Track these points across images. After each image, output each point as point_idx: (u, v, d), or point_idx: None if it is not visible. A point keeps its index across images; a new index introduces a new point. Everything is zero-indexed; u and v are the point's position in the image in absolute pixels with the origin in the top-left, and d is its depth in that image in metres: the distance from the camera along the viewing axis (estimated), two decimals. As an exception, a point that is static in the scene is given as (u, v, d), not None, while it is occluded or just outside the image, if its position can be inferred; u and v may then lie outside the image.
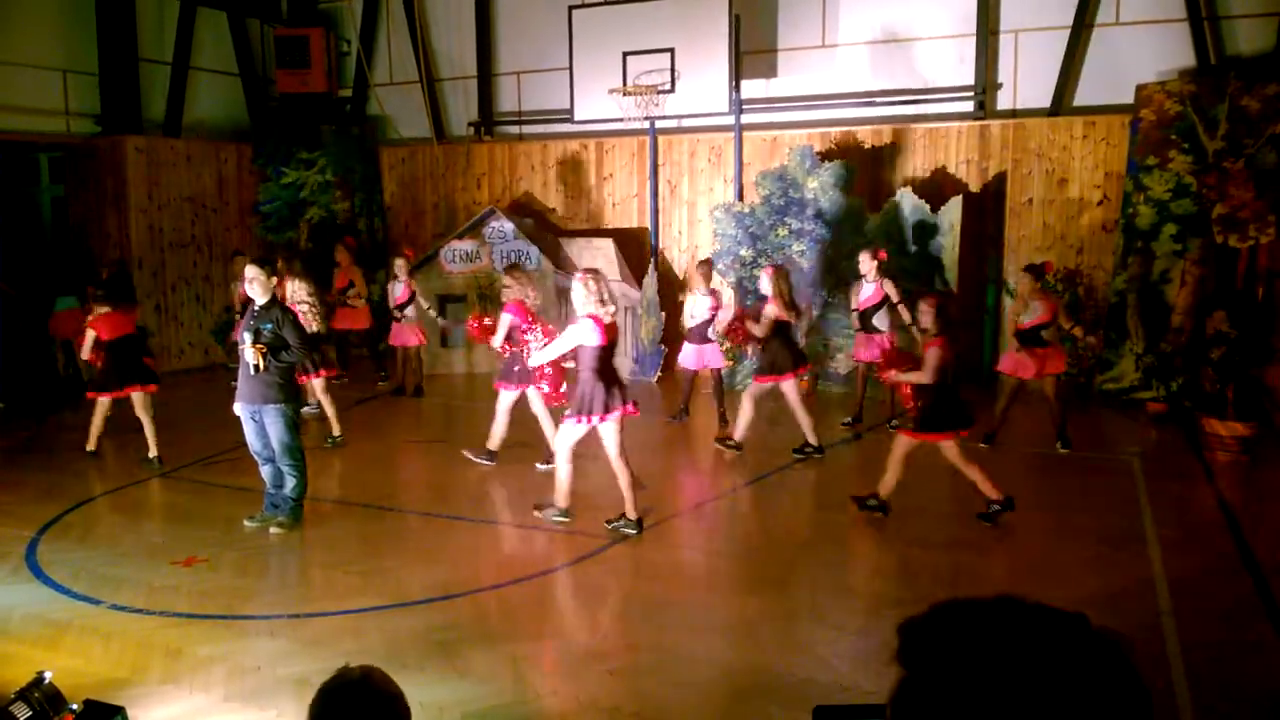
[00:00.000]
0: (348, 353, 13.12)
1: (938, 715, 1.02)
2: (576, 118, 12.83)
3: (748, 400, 8.65)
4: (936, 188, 11.74)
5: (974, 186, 11.79)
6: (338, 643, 5.11)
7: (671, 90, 12.03)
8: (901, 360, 7.04)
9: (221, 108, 14.99)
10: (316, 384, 9.54)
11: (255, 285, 6.81)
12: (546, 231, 13.61)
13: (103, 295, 8.90)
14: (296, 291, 9.72)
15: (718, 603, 5.76)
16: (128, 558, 6.45)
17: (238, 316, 10.29)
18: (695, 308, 9.69)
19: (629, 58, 12.16)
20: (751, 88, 12.64)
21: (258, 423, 6.89)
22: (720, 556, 6.67)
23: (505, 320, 8.07)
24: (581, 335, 6.68)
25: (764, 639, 5.20)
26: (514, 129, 14.65)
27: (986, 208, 11.76)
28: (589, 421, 6.67)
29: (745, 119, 12.56)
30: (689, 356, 9.82)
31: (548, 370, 7.86)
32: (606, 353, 6.72)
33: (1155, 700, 1.02)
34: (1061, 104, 11.54)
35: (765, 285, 8.61)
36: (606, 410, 6.65)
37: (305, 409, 9.72)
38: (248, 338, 6.74)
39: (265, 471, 7.06)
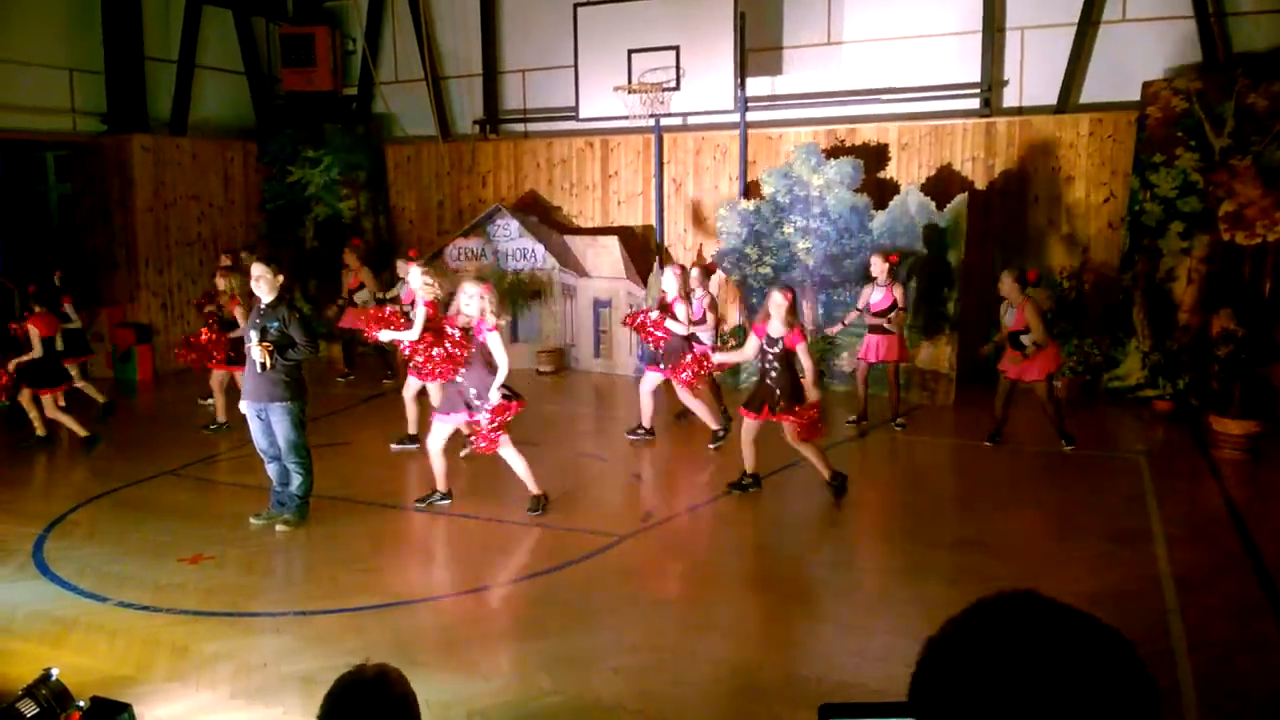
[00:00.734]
0: (354, 352, 13.14)
1: (956, 699, 1.04)
2: (582, 115, 12.83)
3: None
4: (942, 185, 11.72)
5: (980, 184, 11.77)
6: (343, 640, 5.12)
7: (676, 88, 12.03)
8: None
9: (227, 106, 15.01)
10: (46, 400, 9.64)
11: (261, 283, 6.82)
12: (552, 229, 13.61)
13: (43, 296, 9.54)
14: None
15: (721, 601, 5.76)
16: (134, 555, 6.47)
17: (208, 309, 10.41)
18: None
19: (634, 55, 12.16)
20: (757, 85, 12.63)
21: (264, 420, 6.90)
22: (724, 555, 6.67)
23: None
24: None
25: (768, 637, 5.20)
26: (519, 127, 14.65)
27: (993, 205, 11.74)
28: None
29: (750, 116, 12.54)
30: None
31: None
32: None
33: (1160, 698, 1.02)
34: (1068, 101, 11.50)
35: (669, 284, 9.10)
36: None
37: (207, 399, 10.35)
38: (254, 336, 6.75)
39: (271, 469, 7.07)
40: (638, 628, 5.37)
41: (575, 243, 13.32)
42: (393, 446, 9.15)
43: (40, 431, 9.46)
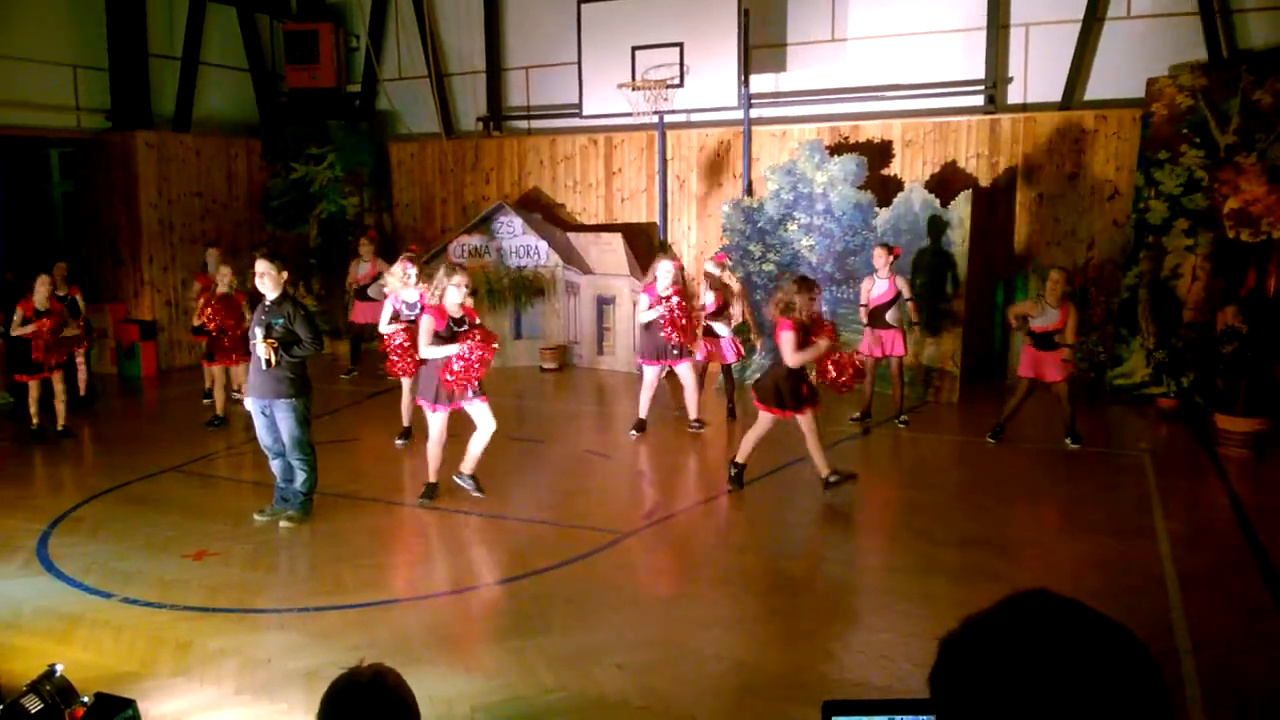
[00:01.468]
0: (359, 348, 13.15)
1: (974, 696, 1.06)
2: (585, 112, 12.83)
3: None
4: (947, 182, 11.70)
5: (984, 181, 11.75)
6: (347, 636, 5.13)
7: (680, 85, 12.01)
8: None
9: (231, 103, 15.02)
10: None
11: (266, 280, 6.82)
12: (555, 226, 13.61)
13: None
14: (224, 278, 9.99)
15: (724, 598, 5.76)
16: (138, 551, 6.48)
17: (195, 303, 10.61)
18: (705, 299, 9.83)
19: (638, 52, 12.14)
20: (760, 82, 12.62)
21: (268, 417, 6.91)
22: (728, 551, 6.66)
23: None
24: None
25: (772, 634, 5.20)
26: (523, 124, 14.65)
27: (997, 202, 11.72)
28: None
29: (754, 113, 12.53)
30: (699, 350, 9.84)
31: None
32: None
33: (1172, 701, 1.03)
34: (1072, 98, 11.48)
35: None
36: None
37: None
38: (259, 333, 6.76)
39: (275, 466, 7.08)
40: (640, 624, 5.37)
41: (578, 240, 13.32)
42: (396, 443, 9.17)
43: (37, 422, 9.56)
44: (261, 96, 15.31)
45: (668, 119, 12.62)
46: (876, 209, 11.52)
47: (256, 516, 7.05)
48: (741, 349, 10.19)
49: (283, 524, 6.92)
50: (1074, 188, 11.41)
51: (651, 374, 9.44)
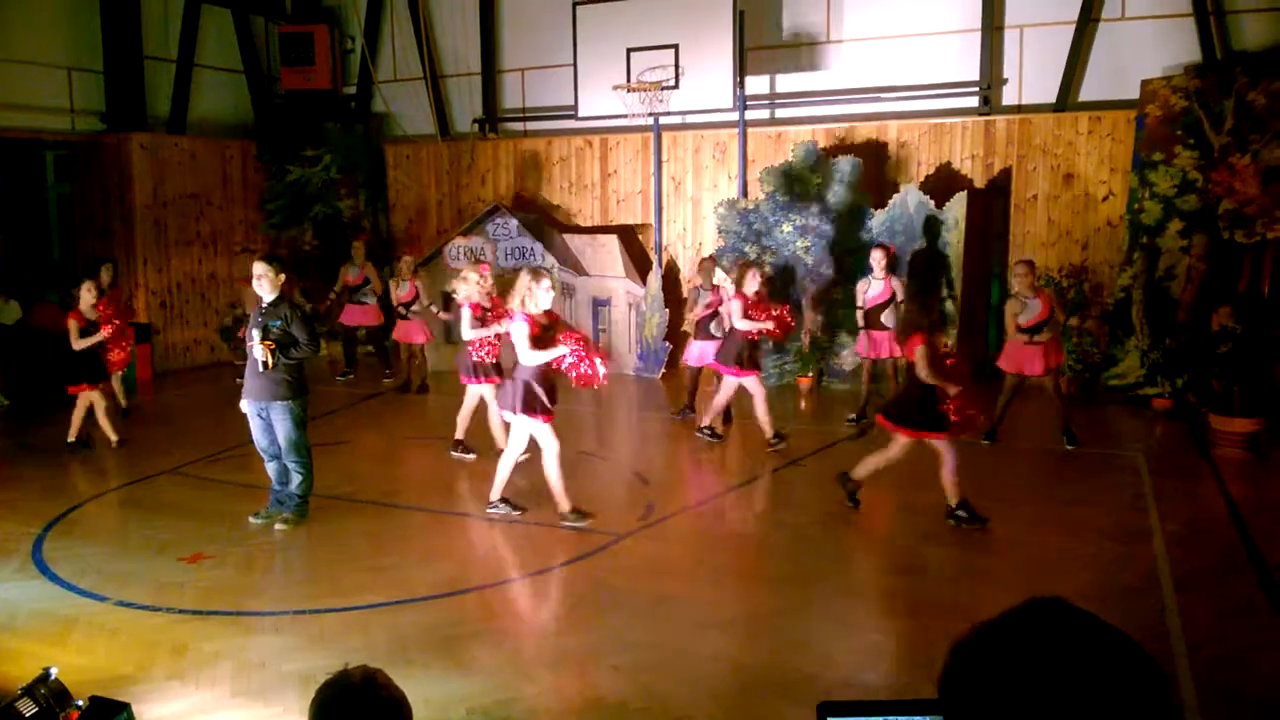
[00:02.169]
0: (354, 351, 13.15)
1: (983, 701, 1.08)
2: (581, 114, 12.83)
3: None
4: (942, 184, 11.72)
5: (979, 182, 11.77)
6: (343, 639, 5.13)
7: (676, 86, 12.02)
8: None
9: (226, 105, 15.00)
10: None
11: (263, 282, 6.82)
12: (551, 228, 13.60)
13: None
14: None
15: (722, 599, 5.77)
16: (133, 554, 6.47)
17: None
18: (698, 302, 9.79)
19: (633, 54, 12.15)
20: (756, 84, 12.63)
21: (265, 419, 6.90)
22: (725, 552, 6.67)
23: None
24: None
25: (769, 635, 5.20)
26: (518, 126, 14.65)
27: (992, 204, 11.74)
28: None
29: (750, 115, 12.54)
30: (692, 353, 9.85)
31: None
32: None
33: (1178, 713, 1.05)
34: (1067, 99, 11.51)
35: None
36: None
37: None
38: (256, 335, 6.75)
39: (271, 468, 7.07)
40: (637, 625, 5.37)
41: (574, 241, 13.32)
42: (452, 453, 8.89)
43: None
44: (256, 98, 15.30)
45: (663, 121, 12.63)
46: (872, 210, 11.54)
47: (252, 519, 7.04)
48: None
49: (278, 527, 6.91)
50: (1068, 189, 11.43)
51: (734, 383, 8.93)
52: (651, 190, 13.13)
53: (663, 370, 12.57)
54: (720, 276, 10.16)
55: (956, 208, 11.03)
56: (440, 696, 4.43)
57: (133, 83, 13.38)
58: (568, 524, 6.84)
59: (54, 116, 12.92)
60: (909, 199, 11.38)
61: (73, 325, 8.94)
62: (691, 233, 13.37)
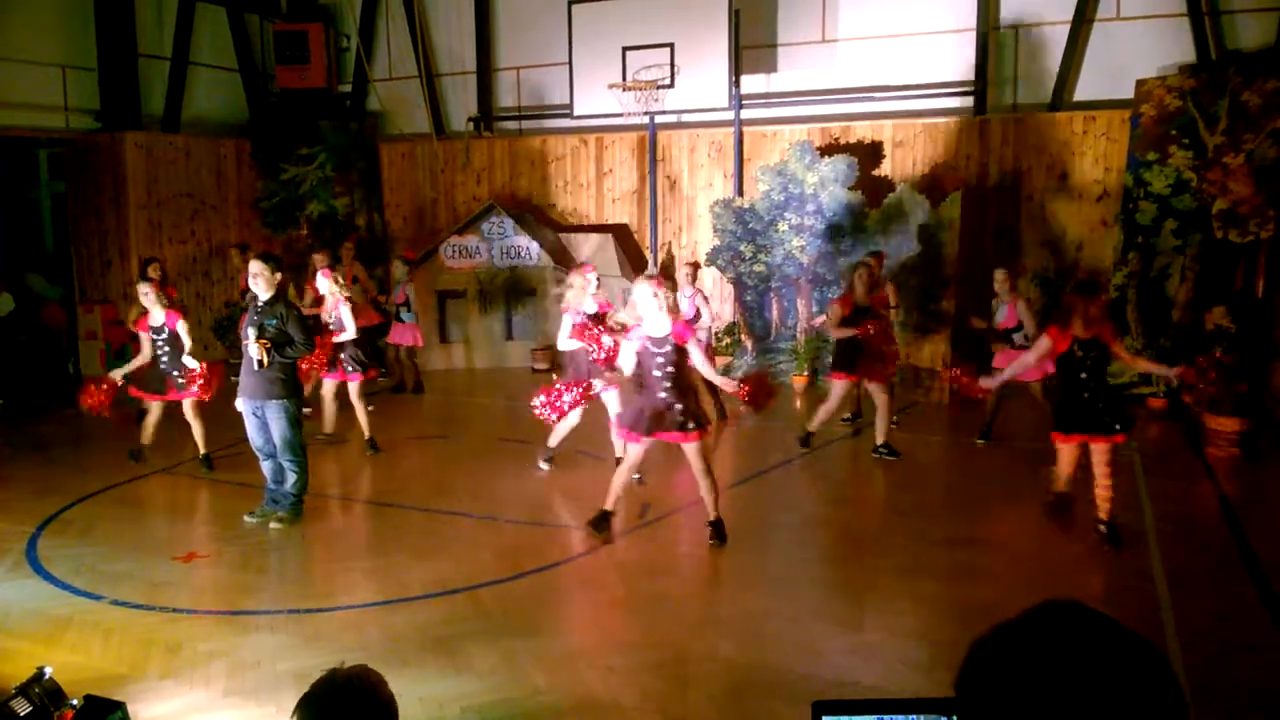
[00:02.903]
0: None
1: (1000, 701, 1.09)
2: (576, 113, 12.83)
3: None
4: (937, 183, 11.73)
5: (974, 182, 11.78)
6: (338, 638, 5.12)
7: (671, 85, 12.02)
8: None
9: (221, 103, 14.97)
10: (352, 388, 9.11)
11: (259, 281, 6.81)
12: (546, 227, 13.60)
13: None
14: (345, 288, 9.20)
15: (718, 598, 5.77)
16: (128, 553, 6.45)
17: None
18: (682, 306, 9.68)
19: (628, 53, 12.15)
20: (751, 83, 12.63)
21: (259, 418, 6.89)
22: (721, 552, 6.67)
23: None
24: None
25: (765, 635, 5.20)
26: (514, 124, 14.64)
27: (987, 203, 11.76)
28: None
29: (745, 114, 12.55)
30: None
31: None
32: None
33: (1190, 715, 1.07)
34: (1062, 99, 11.53)
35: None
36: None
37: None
38: (251, 333, 6.74)
39: (266, 467, 7.06)
40: (632, 625, 5.37)
41: (569, 240, 13.32)
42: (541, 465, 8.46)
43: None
44: (251, 97, 15.27)
45: (658, 120, 12.63)
46: (867, 210, 11.55)
47: (247, 518, 7.03)
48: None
49: (273, 526, 6.90)
50: (1063, 189, 11.45)
51: (843, 388, 8.69)
52: (647, 189, 13.13)
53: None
54: (700, 281, 10.06)
55: (951, 207, 11.04)
56: (435, 696, 4.43)
57: (127, 81, 13.34)
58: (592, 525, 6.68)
59: (48, 115, 12.88)
60: (904, 198, 11.39)
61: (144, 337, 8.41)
62: (686, 232, 13.38)
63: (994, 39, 11.81)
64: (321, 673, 2.23)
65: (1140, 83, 10.65)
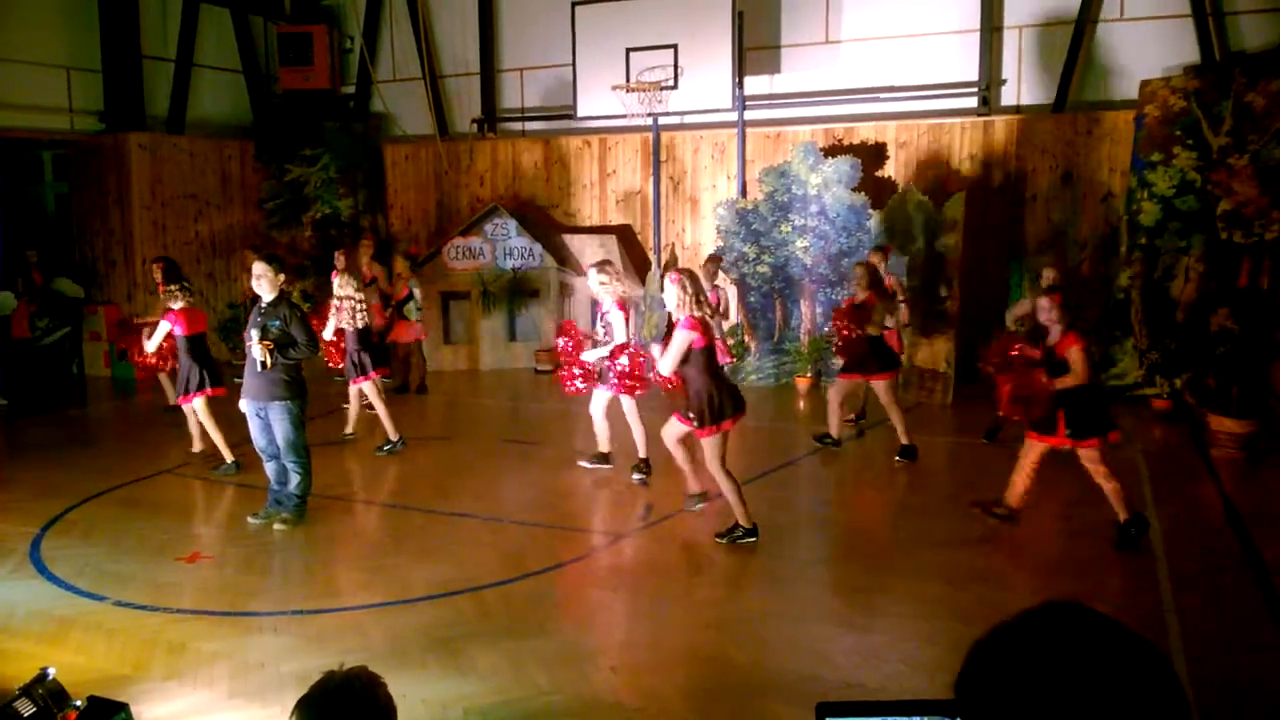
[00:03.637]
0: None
1: (1000, 702, 1.09)
2: (580, 114, 12.83)
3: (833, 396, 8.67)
4: (940, 184, 11.72)
5: (978, 183, 11.77)
6: (341, 639, 5.12)
7: (675, 87, 12.02)
8: (1031, 366, 6.30)
9: (225, 105, 15.00)
10: (366, 387, 9.11)
11: (263, 282, 6.81)
12: (549, 228, 13.61)
13: (179, 289, 8.42)
14: (344, 287, 9.12)
15: (719, 599, 5.76)
16: (131, 554, 6.46)
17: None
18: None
19: (632, 54, 12.15)
20: (755, 84, 12.63)
21: (263, 419, 6.89)
22: (723, 553, 6.66)
23: (618, 318, 7.80)
24: (688, 338, 6.32)
25: (769, 636, 5.19)
26: (517, 126, 14.65)
27: (991, 204, 11.75)
28: (728, 427, 6.38)
29: (748, 115, 12.54)
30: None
31: (623, 370, 7.62)
32: (712, 353, 6.47)
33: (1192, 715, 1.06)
34: (1066, 100, 11.51)
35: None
36: (737, 413, 6.40)
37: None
38: (255, 334, 6.74)
39: (269, 468, 7.06)
40: (634, 626, 5.37)
41: (573, 241, 13.32)
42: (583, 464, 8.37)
43: None
44: (255, 98, 15.29)
45: (662, 121, 12.63)
46: (870, 211, 11.54)
47: (250, 520, 7.03)
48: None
49: (277, 527, 6.90)
50: (1067, 190, 11.44)
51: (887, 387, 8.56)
52: (650, 190, 13.14)
53: (661, 370, 12.54)
54: (721, 277, 10.15)
55: (955, 208, 11.03)
56: (438, 697, 4.43)
57: (131, 82, 13.37)
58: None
59: (53, 116, 12.91)
60: (907, 199, 11.39)
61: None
62: (690, 233, 13.37)
63: (998, 39, 11.80)
64: (321, 674, 2.23)
65: (1144, 83, 10.64)
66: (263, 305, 6.87)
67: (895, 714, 1.69)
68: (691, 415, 6.39)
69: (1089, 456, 6.27)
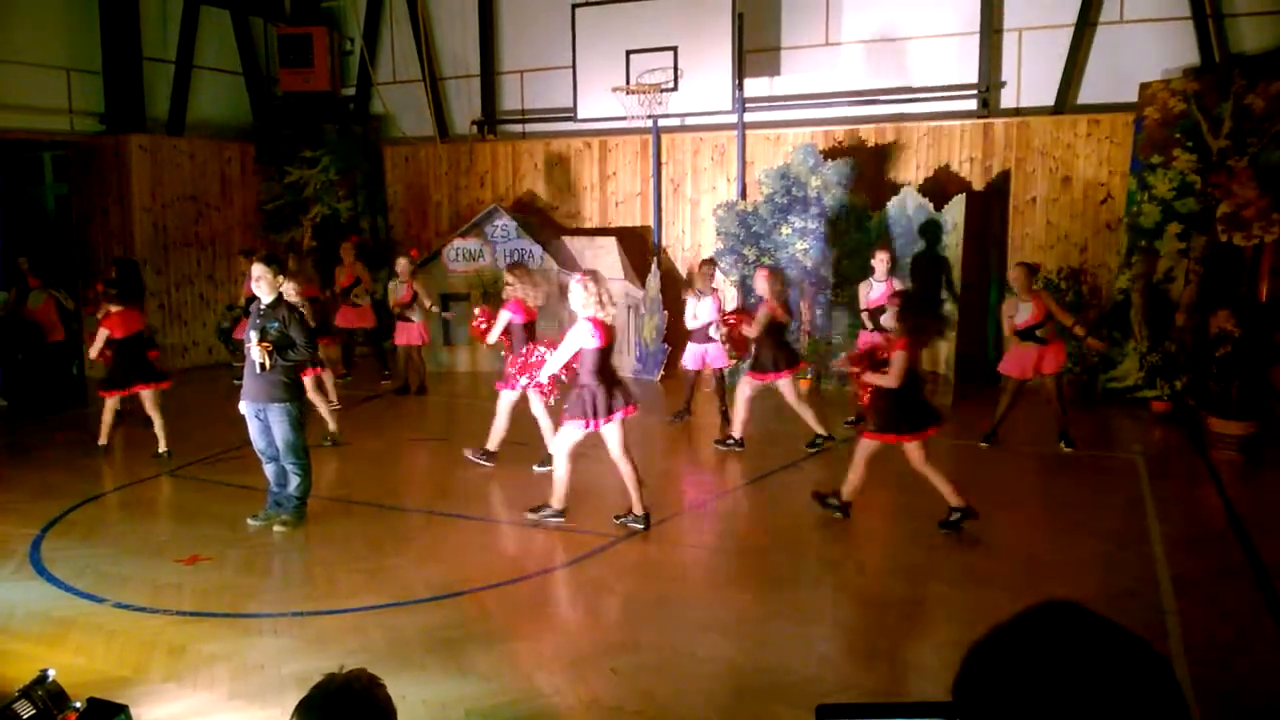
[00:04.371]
0: (353, 351, 13.14)
1: (998, 703, 1.09)
2: (580, 116, 12.83)
3: (740, 398, 8.87)
4: (940, 186, 11.72)
5: (977, 185, 11.77)
6: (341, 641, 5.12)
7: (674, 88, 12.03)
8: (865, 361, 6.91)
9: (225, 106, 14.99)
10: (306, 381, 9.18)
11: (262, 284, 6.81)
12: (549, 230, 13.60)
13: (115, 294, 8.98)
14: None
15: (720, 601, 5.76)
16: (131, 555, 6.46)
17: (243, 314, 10.30)
18: (698, 308, 9.67)
19: (632, 56, 12.16)
20: (755, 86, 12.63)
21: (262, 421, 6.89)
22: (723, 555, 6.67)
23: (503, 317, 8.25)
24: (582, 338, 6.69)
25: (767, 637, 5.20)
26: (517, 127, 14.65)
27: (990, 206, 11.75)
28: (593, 425, 6.69)
29: (748, 117, 12.54)
30: (692, 356, 9.83)
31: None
32: (606, 355, 6.75)
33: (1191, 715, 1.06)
34: (1065, 102, 11.51)
35: (761, 287, 8.71)
36: (610, 412, 6.68)
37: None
38: (254, 336, 6.74)
39: (269, 470, 7.06)
40: (634, 628, 5.37)
41: (573, 243, 13.31)
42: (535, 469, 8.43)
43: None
44: (255, 100, 15.29)
45: (662, 122, 12.64)
46: (870, 213, 11.54)
47: (250, 521, 7.03)
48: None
49: (276, 528, 6.91)
50: (1067, 192, 11.44)
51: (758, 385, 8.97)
52: (650, 192, 13.14)
53: (661, 373, 12.56)
54: (719, 279, 10.17)
55: (955, 210, 11.04)
56: (438, 698, 4.43)
57: (131, 84, 13.37)
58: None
59: (53, 117, 12.91)
60: (907, 201, 11.39)
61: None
62: (690, 235, 13.37)
63: (997, 42, 11.80)
64: (322, 676, 2.23)
65: (1144, 86, 10.64)
66: (261, 307, 6.87)
67: (895, 715, 1.69)
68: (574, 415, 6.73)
69: (913, 451, 6.66)
